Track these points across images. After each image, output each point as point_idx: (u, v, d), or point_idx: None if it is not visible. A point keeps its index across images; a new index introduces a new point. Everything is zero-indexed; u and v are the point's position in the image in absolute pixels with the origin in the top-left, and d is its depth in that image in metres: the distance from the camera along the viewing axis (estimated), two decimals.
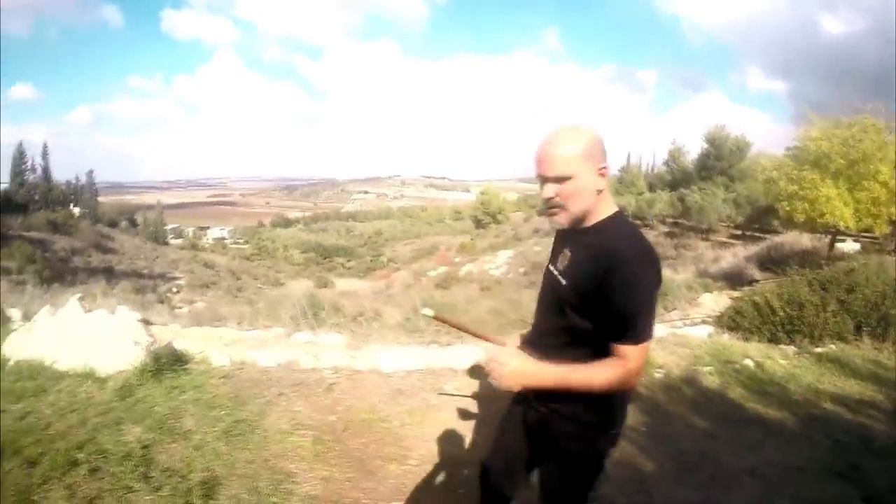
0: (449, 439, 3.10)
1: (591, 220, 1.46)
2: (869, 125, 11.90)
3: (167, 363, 3.77)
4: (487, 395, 3.61)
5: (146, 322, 4.56)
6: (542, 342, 1.53)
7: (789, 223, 13.85)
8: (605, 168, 1.43)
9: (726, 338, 5.82)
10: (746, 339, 5.80)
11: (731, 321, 6.52)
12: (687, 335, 5.82)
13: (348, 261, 58.95)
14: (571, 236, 1.50)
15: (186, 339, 4.60)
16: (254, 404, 3.43)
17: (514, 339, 1.69)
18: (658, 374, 4.05)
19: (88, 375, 3.54)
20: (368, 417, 3.38)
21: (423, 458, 2.90)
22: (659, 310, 10.09)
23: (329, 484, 2.65)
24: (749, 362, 4.54)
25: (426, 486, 2.69)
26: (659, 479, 2.61)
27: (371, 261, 56.73)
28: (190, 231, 77.93)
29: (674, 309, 10.17)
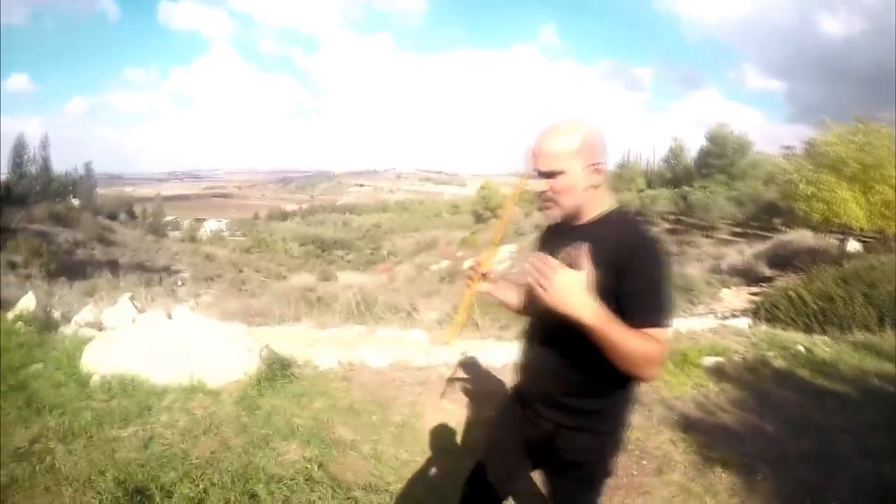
0: None
1: (588, 216, 1.46)
2: (883, 133, 12.77)
3: (279, 369, 3.54)
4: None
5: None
6: (554, 341, 1.45)
7: (805, 222, 14.77)
8: (600, 164, 1.42)
9: (764, 328, 6.45)
10: (784, 330, 6.35)
11: (767, 313, 7.29)
12: (736, 326, 6.54)
13: (347, 254, 59.02)
14: (567, 234, 1.46)
15: (265, 341, 4.18)
16: (399, 406, 3.30)
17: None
18: (737, 358, 4.82)
19: (197, 388, 3.15)
20: None
21: None
22: (686, 304, 10.91)
23: None
24: (801, 348, 5.19)
25: None
26: (781, 436, 3.34)
27: (371, 254, 56.88)
28: (186, 223, 77.73)
29: (700, 304, 10.91)
